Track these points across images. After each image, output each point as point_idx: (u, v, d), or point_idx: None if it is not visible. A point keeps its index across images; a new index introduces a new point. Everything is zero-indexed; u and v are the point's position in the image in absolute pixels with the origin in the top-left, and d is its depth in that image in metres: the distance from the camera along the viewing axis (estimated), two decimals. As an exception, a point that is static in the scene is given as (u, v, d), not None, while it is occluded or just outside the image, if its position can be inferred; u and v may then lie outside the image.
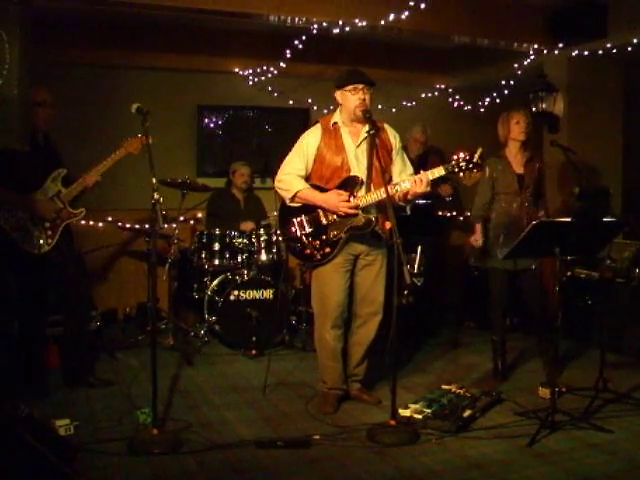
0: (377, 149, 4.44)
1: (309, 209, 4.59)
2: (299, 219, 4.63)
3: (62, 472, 3.13)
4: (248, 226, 6.78)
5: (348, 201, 4.44)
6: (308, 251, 4.61)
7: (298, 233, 4.63)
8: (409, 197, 4.47)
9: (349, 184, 4.50)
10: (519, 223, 5.10)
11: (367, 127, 4.52)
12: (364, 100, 4.47)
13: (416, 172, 4.66)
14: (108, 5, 5.86)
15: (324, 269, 4.61)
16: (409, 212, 6.25)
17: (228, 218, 6.90)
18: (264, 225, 6.71)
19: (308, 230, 4.61)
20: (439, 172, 4.30)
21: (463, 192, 7.45)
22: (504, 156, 5.32)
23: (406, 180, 4.41)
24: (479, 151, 4.20)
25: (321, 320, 4.69)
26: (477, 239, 5.34)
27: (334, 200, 4.45)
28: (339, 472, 3.63)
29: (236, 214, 7.04)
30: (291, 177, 4.57)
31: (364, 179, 4.50)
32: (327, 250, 4.55)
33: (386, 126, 4.74)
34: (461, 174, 4.28)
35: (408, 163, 4.80)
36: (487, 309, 5.46)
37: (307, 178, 4.64)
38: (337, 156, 4.55)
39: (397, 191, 4.39)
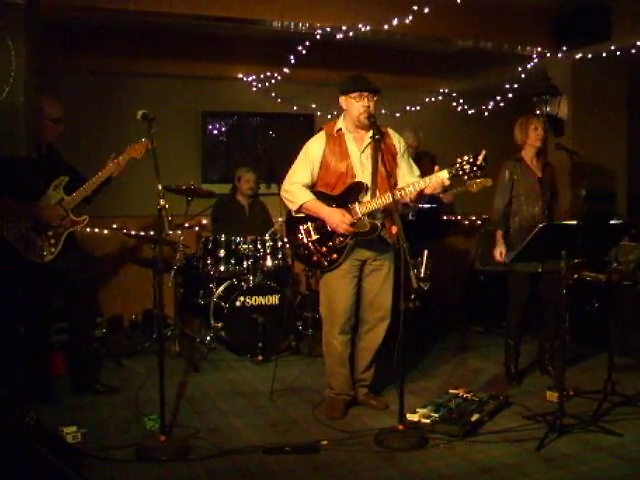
0: (382, 154, 4.44)
1: (315, 216, 4.60)
2: (305, 226, 4.64)
3: (70, 479, 3.13)
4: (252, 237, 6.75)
5: (352, 224, 4.44)
6: (315, 258, 4.62)
7: (305, 240, 4.64)
8: (417, 198, 4.51)
9: (354, 190, 4.50)
10: None
11: (371, 133, 4.51)
12: (368, 107, 4.47)
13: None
14: (113, 13, 5.88)
15: (331, 275, 4.61)
16: (411, 217, 6.29)
17: (233, 224, 6.90)
18: (270, 233, 6.68)
19: (315, 237, 4.61)
20: (442, 175, 4.29)
21: (468, 197, 7.43)
22: (522, 159, 5.35)
23: (411, 185, 4.40)
24: (482, 153, 4.17)
25: (329, 326, 4.69)
26: (502, 251, 5.31)
27: (336, 219, 4.45)
28: (347, 477, 3.62)
29: (241, 220, 7.04)
30: (297, 188, 4.58)
31: (369, 185, 4.50)
32: (334, 256, 4.55)
33: (390, 131, 4.74)
34: (465, 177, 4.26)
35: (414, 165, 4.80)
36: (507, 312, 5.45)
37: (313, 185, 4.65)
38: (342, 162, 4.55)
39: (402, 196, 4.38)
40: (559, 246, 4.18)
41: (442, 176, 4.26)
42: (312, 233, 4.62)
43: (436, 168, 4.34)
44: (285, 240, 6.21)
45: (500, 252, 5.32)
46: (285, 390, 5.16)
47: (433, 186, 4.33)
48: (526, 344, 5.84)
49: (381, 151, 4.44)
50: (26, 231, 4.65)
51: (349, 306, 4.62)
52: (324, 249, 4.58)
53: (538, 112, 7.08)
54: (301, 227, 4.65)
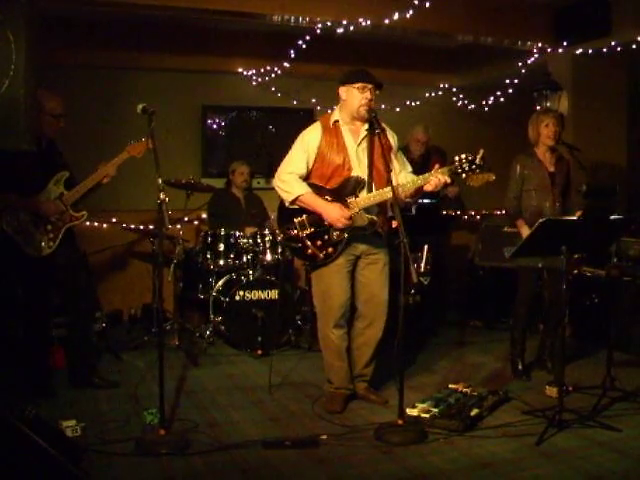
0: (382, 148, 4.43)
1: (311, 210, 4.56)
2: (300, 219, 4.57)
3: (70, 473, 3.13)
4: (251, 231, 6.75)
5: (350, 218, 4.43)
6: (310, 251, 4.56)
7: (299, 233, 4.58)
8: (415, 194, 4.50)
9: (351, 184, 4.48)
10: None
11: (367, 125, 4.52)
12: (370, 100, 4.46)
13: (418, 172, 4.66)
14: (112, 6, 5.87)
15: (326, 270, 4.58)
16: (414, 212, 6.28)
17: (229, 218, 6.90)
18: (267, 227, 6.69)
19: (309, 230, 4.56)
20: (442, 173, 4.29)
21: (467, 193, 7.43)
22: (534, 154, 5.32)
23: (410, 181, 4.41)
24: (481, 152, 4.20)
25: (324, 320, 4.67)
26: None
27: (336, 214, 4.41)
28: (347, 472, 3.62)
29: (237, 213, 7.04)
30: (293, 179, 4.52)
31: (365, 178, 4.50)
32: (329, 250, 4.52)
33: (384, 125, 4.71)
34: (463, 175, 4.28)
35: (407, 162, 4.81)
36: (514, 306, 5.44)
37: (307, 176, 4.61)
38: (338, 155, 4.51)
39: (401, 192, 4.38)
40: (559, 241, 4.17)
41: (441, 174, 4.27)
42: (307, 226, 4.56)
43: (436, 166, 4.35)
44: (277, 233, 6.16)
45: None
46: (284, 384, 5.17)
47: (434, 184, 4.33)
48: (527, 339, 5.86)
49: (381, 145, 4.42)
50: (25, 225, 4.65)
51: (345, 301, 4.60)
52: (319, 242, 4.54)
53: (538, 107, 7.04)
54: (295, 220, 4.58)
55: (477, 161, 4.19)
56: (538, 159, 5.29)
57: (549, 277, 5.26)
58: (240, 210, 7.12)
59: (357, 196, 4.45)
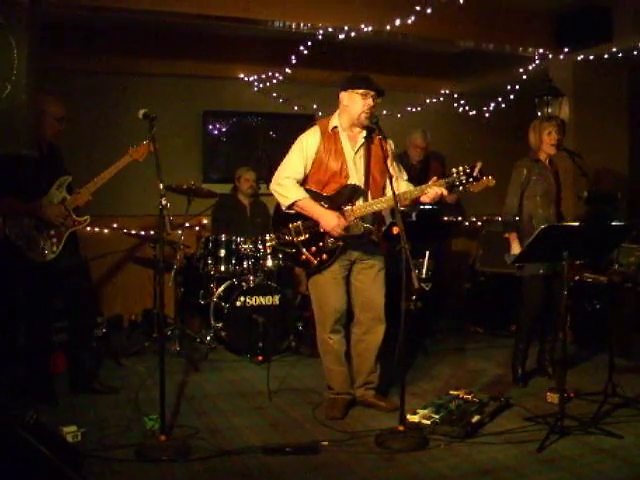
0: (384, 155, 4.43)
1: (306, 215, 4.54)
2: (295, 224, 4.55)
3: (70, 479, 3.12)
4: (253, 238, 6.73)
5: (346, 229, 4.42)
6: (304, 257, 4.54)
7: (294, 239, 4.56)
8: (410, 204, 4.55)
9: (349, 192, 4.47)
10: None
11: (365, 132, 4.52)
12: (371, 107, 4.45)
13: (417, 179, 4.66)
14: (113, 12, 5.87)
15: (321, 277, 4.57)
16: (414, 218, 6.28)
17: (234, 224, 6.90)
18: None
19: (304, 236, 4.54)
20: (440, 187, 4.32)
21: (467, 199, 7.43)
22: (540, 160, 5.30)
23: (408, 192, 4.43)
24: (479, 165, 4.21)
25: (321, 326, 4.67)
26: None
27: (332, 223, 4.39)
28: (348, 478, 3.61)
29: (242, 220, 7.04)
30: (291, 183, 4.50)
31: (362, 186, 4.49)
32: (324, 257, 4.51)
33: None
34: (460, 188, 4.29)
35: (403, 170, 4.80)
36: (520, 315, 5.43)
37: (304, 181, 4.59)
38: (336, 161, 4.50)
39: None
40: (561, 248, 4.17)
41: (438, 186, 4.30)
42: (302, 232, 4.54)
43: (434, 179, 4.37)
44: (271, 238, 6.11)
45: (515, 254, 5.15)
46: (285, 390, 5.15)
47: (431, 196, 4.35)
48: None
49: (382, 152, 4.42)
50: (29, 230, 4.65)
51: (340, 306, 4.59)
52: (313, 249, 4.52)
53: (539, 113, 7.05)
54: (290, 225, 4.56)
55: (474, 173, 4.21)
56: (544, 165, 5.28)
57: (554, 283, 5.24)
58: (245, 217, 7.12)
59: (354, 204, 4.46)
